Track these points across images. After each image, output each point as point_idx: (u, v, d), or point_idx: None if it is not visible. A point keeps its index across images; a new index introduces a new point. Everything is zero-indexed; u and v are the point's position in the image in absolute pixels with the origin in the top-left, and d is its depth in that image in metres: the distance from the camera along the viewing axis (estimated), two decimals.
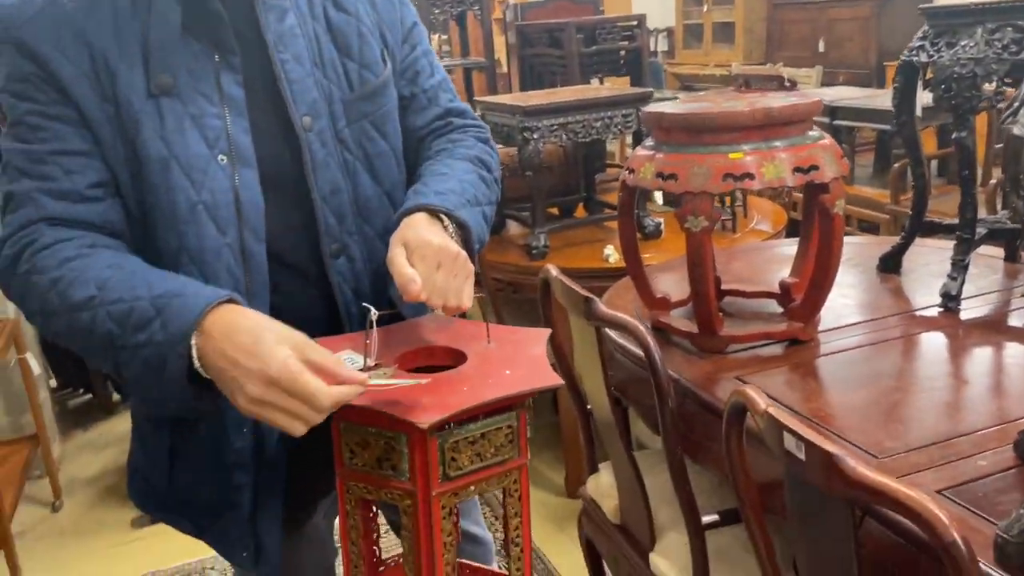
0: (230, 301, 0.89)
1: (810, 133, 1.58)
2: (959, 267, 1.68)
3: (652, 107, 1.65)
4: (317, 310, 1.10)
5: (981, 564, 0.87)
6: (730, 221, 2.70)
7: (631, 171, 1.63)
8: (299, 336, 0.86)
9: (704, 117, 1.51)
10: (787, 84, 5.22)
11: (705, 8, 8.73)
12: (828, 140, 1.59)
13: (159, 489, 1.14)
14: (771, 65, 6.97)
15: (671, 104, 1.71)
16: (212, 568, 2.57)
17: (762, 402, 0.99)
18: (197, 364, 0.86)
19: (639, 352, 1.37)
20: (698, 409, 1.44)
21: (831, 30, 6.93)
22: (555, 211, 2.95)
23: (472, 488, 0.90)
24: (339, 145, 1.05)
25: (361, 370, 0.88)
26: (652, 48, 10.52)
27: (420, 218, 1.00)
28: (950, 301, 1.67)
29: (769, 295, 1.79)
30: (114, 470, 3.19)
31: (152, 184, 0.97)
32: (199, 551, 1.83)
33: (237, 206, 0.98)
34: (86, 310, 0.89)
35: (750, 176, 1.48)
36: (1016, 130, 0.89)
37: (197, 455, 1.09)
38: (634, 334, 1.32)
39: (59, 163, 0.95)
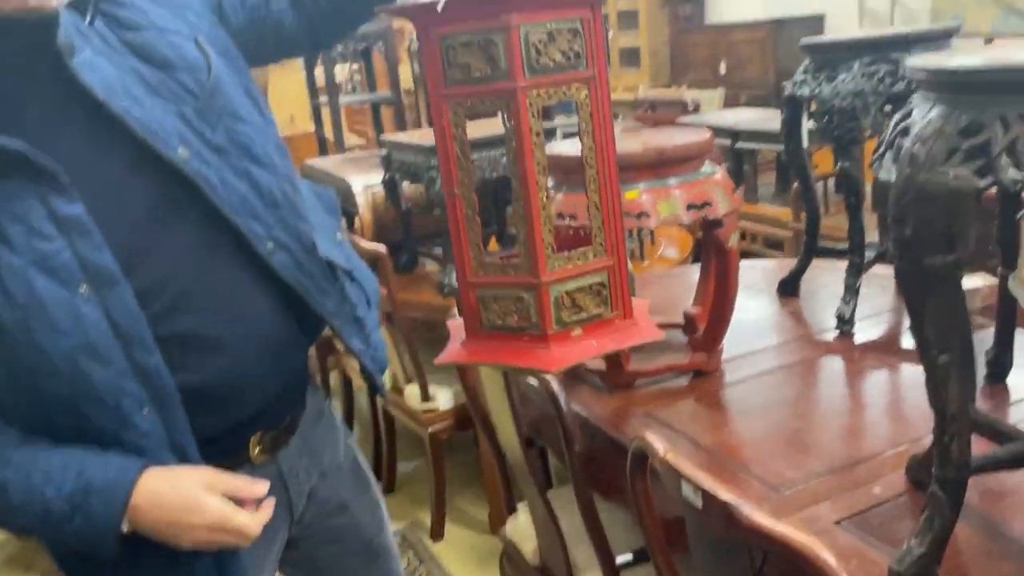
0: (143, 468, 0.96)
1: (703, 169, 1.62)
2: (851, 291, 1.74)
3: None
4: (266, 301, 1.08)
5: None
6: (637, 249, 2.74)
7: None
8: (209, 473, 0.99)
9: None
10: (690, 108, 5.38)
11: (611, 34, 8.93)
12: (720, 175, 1.63)
13: None
14: (676, 88, 7.16)
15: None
16: None
17: (661, 449, 1.00)
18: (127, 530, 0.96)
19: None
20: (608, 447, 1.45)
21: (731, 53, 7.17)
22: None
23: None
24: (219, 155, 1.02)
25: None
26: None
27: None
28: (844, 324, 1.73)
29: (675, 326, 1.82)
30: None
31: (17, 354, 0.91)
32: None
33: (115, 332, 0.93)
34: None
35: (646, 215, 1.50)
36: (882, 175, 0.92)
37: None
38: (538, 377, 1.32)
39: None
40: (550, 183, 1.64)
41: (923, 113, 0.91)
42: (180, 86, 1.00)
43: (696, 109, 5.29)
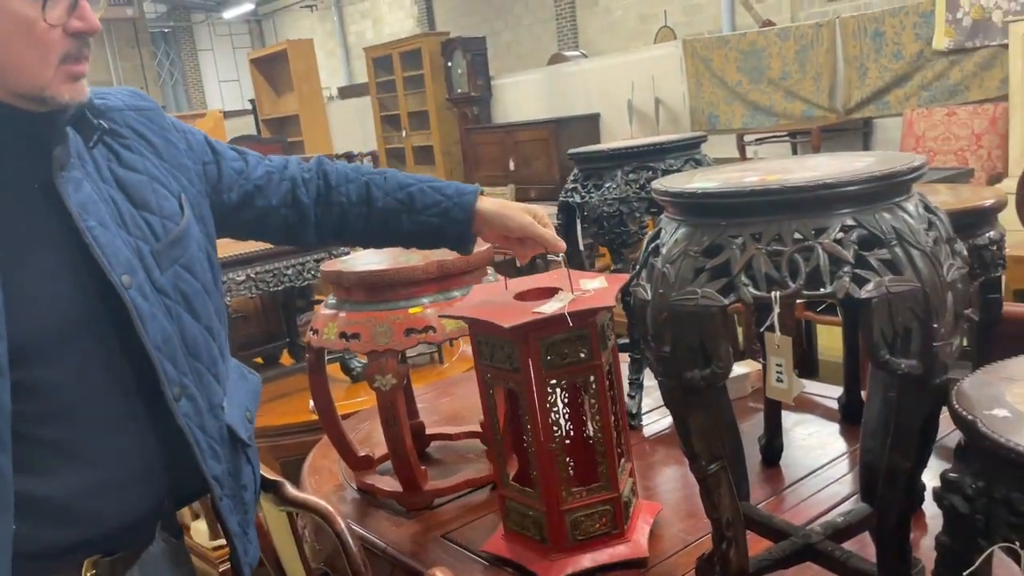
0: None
1: (486, 278, 1.63)
2: (635, 385, 1.80)
3: (329, 264, 1.62)
4: (151, 440, 1.06)
5: None
6: (436, 353, 2.72)
7: (315, 331, 1.58)
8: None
9: (381, 275, 1.50)
10: None
11: (404, 134, 9.12)
12: (503, 282, 1.65)
13: None
14: None
15: (350, 260, 1.69)
16: None
17: None
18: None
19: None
20: None
21: (518, 150, 7.53)
22: (259, 360, 2.81)
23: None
24: (159, 294, 1.06)
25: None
26: None
27: (492, 200, 1.30)
28: (632, 419, 1.78)
29: (473, 435, 1.79)
30: None
31: None
32: None
33: None
34: None
35: (431, 329, 1.48)
36: (639, 294, 0.95)
37: None
38: (326, 518, 1.24)
39: None
40: (331, 300, 1.60)
41: (670, 234, 0.95)
42: (148, 226, 1.07)
43: None
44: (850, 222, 0.85)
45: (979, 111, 4.74)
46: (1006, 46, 4.37)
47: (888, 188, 0.86)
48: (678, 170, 1.78)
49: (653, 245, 0.98)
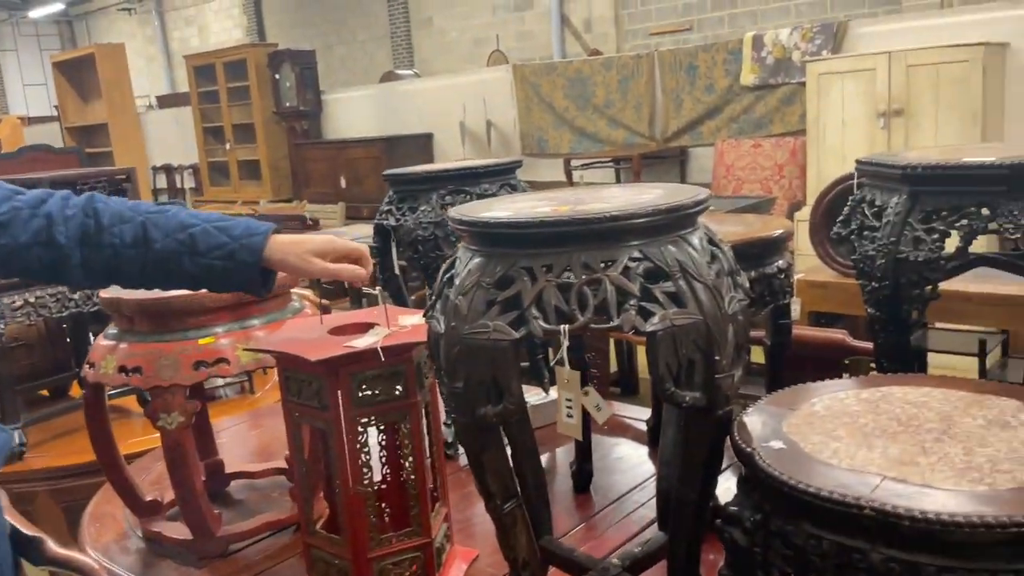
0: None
1: (292, 304, 1.54)
2: (450, 416, 1.76)
3: (108, 292, 1.47)
4: None
5: None
6: (247, 382, 2.57)
7: (91, 365, 1.42)
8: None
9: (166, 302, 1.37)
10: (309, 222, 5.32)
11: (228, 146, 8.71)
12: (310, 307, 1.57)
13: None
14: (297, 202, 7.14)
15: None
16: None
17: None
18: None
19: None
20: None
21: (350, 167, 7.37)
22: (45, 393, 2.54)
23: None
24: None
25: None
26: (179, 185, 10.16)
27: (287, 240, 1.19)
28: (448, 448, 1.73)
29: (279, 471, 1.68)
30: None
31: None
32: None
33: None
34: None
35: (224, 361, 1.37)
36: (433, 325, 0.91)
37: None
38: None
39: None
40: (111, 330, 1.45)
41: (465, 264, 0.92)
42: None
43: (316, 224, 5.29)
44: (637, 254, 0.84)
45: (781, 143, 5.11)
46: (804, 84, 4.74)
47: (674, 221, 0.86)
48: (493, 194, 1.76)
49: (448, 275, 0.94)
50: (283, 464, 1.66)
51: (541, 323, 0.83)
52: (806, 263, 3.11)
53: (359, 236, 4.12)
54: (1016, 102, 4.17)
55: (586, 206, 0.89)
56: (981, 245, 1.22)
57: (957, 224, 1.09)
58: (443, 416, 1.77)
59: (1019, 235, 1.05)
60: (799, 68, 5.00)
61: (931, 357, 3.11)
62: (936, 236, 1.10)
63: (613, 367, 3.48)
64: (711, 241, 0.91)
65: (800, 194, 4.97)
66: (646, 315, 0.82)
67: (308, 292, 2.54)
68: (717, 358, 0.83)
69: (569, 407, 0.87)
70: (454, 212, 0.95)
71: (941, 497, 0.67)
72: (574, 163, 5.99)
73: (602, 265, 0.84)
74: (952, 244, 1.13)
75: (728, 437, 0.84)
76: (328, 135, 8.24)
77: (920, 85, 4.15)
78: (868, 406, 0.86)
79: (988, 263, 1.25)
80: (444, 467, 1.35)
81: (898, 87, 4.21)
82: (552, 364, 0.87)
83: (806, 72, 4.67)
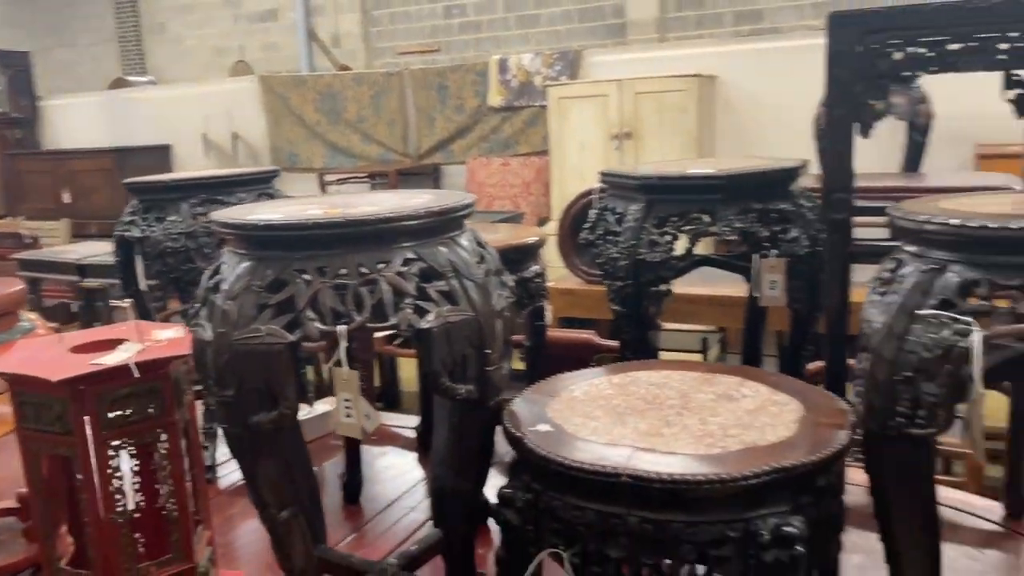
0: None
1: (20, 324, 1.39)
2: (209, 436, 1.67)
3: None
4: None
5: None
6: None
7: None
8: None
9: None
10: (27, 240, 4.81)
11: None
12: (42, 327, 1.43)
13: None
14: (12, 219, 6.36)
15: None
16: None
17: None
18: None
19: None
20: None
21: (75, 181, 6.71)
22: None
23: None
24: None
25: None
26: None
27: None
28: (208, 472, 1.64)
29: (8, 512, 1.50)
30: None
31: None
32: None
33: None
34: None
35: None
36: (200, 332, 0.87)
37: None
38: None
39: None
40: None
41: (232, 268, 0.89)
42: None
43: (36, 242, 4.75)
44: (411, 255, 0.87)
45: (527, 163, 5.40)
46: (546, 107, 5.05)
47: (444, 223, 0.90)
48: None
49: (213, 281, 0.91)
50: (12, 503, 1.48)
51: (318, 325, 0.83)
52: (555, 273, 3.32)
53: (90, 254, 3.77)
54: (724, 126, 4.74)
55: (357, 209, 0.90)
56: (707, 247, 1.39)
57: (685, 228, 1.24)
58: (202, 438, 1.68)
59: (734, 237, 1.21)
60: (541, 92, 5.32)
61: (662, 355, 3.43)
62: (668, 239, 1.24)
63: (377, 381, 3.48)
64: (479, 243, 0.96)
65: (546, 210, 5.28)
66: (422, 313, 0.85)
67: (34, 315, 2.29)
68: (488, 352, 0.88)
69: (348, 407, 0.87)
70: (219, 216, 0.92)
71: (683, 461, 0.77)
72: (328, 178, 5.90)
73: (377, 266, 0.86)
74: (682, 247, 1.28)
75: (499, 426, 0.89)
76: (47, 145, 7.45)
77: (646, 110, 4.59)
78: (619, 389, 0.95)
79: (711, 263, 1.43)
80: (206, 492, 1.29)
81: (628, 112, 4.62)
82: (330, 365, 0.87)
83: (547, 96, 4.99)
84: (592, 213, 1.39)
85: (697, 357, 3.16)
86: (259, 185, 1.75)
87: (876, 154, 3.33)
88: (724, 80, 4.71)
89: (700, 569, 0.76)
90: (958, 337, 0.69)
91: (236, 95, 6.65)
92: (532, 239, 1.60)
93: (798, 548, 0.72)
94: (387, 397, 3.67)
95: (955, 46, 0.92)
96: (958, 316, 0.69)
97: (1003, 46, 0.90)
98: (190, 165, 6.69)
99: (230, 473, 1.70)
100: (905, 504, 0.77)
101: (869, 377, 0.75)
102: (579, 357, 2.10)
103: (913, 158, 3.04)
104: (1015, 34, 0.90)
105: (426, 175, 6.09)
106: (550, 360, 1.68)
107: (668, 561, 0.75)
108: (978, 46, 0.90)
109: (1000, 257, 0.70)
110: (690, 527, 0.74)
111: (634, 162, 4.63)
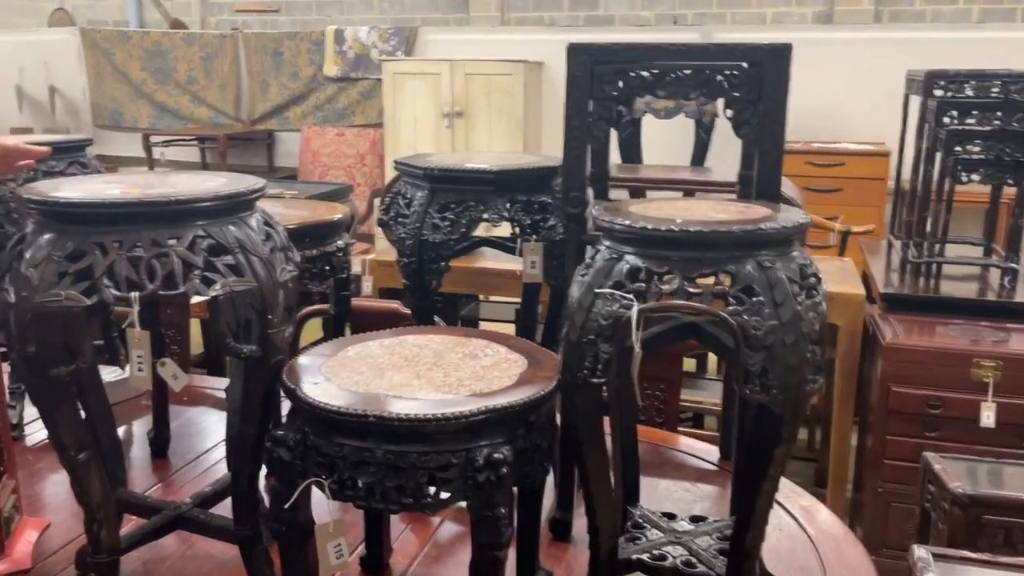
0: None
1: None
2: (16, 395, 1.73)
3: None
4: None
5: None
6: None
7: None
8: None
9: None
10: None
11: None
12: None
13: None
14: None
15: None
16: None
17: None
18: None
19: None
20: None
21: None
22: None
23: None
24: None
25: None
26: None
27: None
28: (15, 429, 1.70)
29: None
30: None
31: None
32: None
33: None
34: None
35: None
36: (3, 296, 0.98)
37: None
38: None
39: None
40: None
41: (35, 238, 1.00)
42: None
43: None
44: (201, 233, 1.01)
45: (362, 134, 5.48)
46: (381, 80, 5.15)
47: (234, 205, 1.05)
48: (61, 172, 1.76)
49: (16, 250, 1.01)
50: None
51: (113, 291, 0.96)
52: (381, 245, 3.46)
53: None
54: (550, 112, 5.01)
55: (155, 190, 1.03)
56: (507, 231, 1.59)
57: (462, 215, 1.44)
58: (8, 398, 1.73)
59: (502, 224, 1.42)
60: (376, 66, 5.40)
61: (482, 325, 3.66)
62: (448, 223, 1.44)
63: (201, 349, 3.51)
64: (267, 223, 1.11)
65: (380, 182, 5.39)
66: (209, 283, 0.99)
67: None
68: (270, 317, 1.04)
69: (140, 362, 1.01)
70: (25, 192, 1.02)
71: (421, 404, 0.96)
72: (155, 139, 5.73)
73: (170, 241, 0.99)
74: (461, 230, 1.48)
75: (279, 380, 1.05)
76: None
77: (476, 92, 4.79)
78: (386, 350, 1.14)
79: (488, 245, 1.64)
80: (11, 443, 1.37)
81: (459, 92, 4.80)
82: (124, 327, 1.00)
83: (383, 70, 5.08)
84: (387, 197, 1.57)
85: (511, 327, 3.42)
86: (71, 153, 1.80)
87: (682, 148, 3.69)
88: (551, 67, 4.97)
89: (431, 489, 0.96)
90: (624, 310, 0.93)
91: (54, 46, 6.29)
92: (337, 217, 1.76)
93: (503, 470, 0.93)
94: (210, 363, 3.70)
95: (662, 77, 1.16)
96: (625, 295, 0.93)
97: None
98: (3, 119, 6.28)
99: (37, 431, 1.76)
100: (587, 437, 1.00)
101: (566, 339, 0.98)
102: (387, 325, 2.27)
103: (699, 153, 3.43)
104: (708, 71, 1.15)
105: (259, 141, 6.03)
106: (363, 328, 1.85)
107: (406, 484, 0.95)
108: (676, 78, 1.14)
109: (656, 251, 0.93)
110: (423, 456, 0.94)
111: (464, 141, 4.83)
